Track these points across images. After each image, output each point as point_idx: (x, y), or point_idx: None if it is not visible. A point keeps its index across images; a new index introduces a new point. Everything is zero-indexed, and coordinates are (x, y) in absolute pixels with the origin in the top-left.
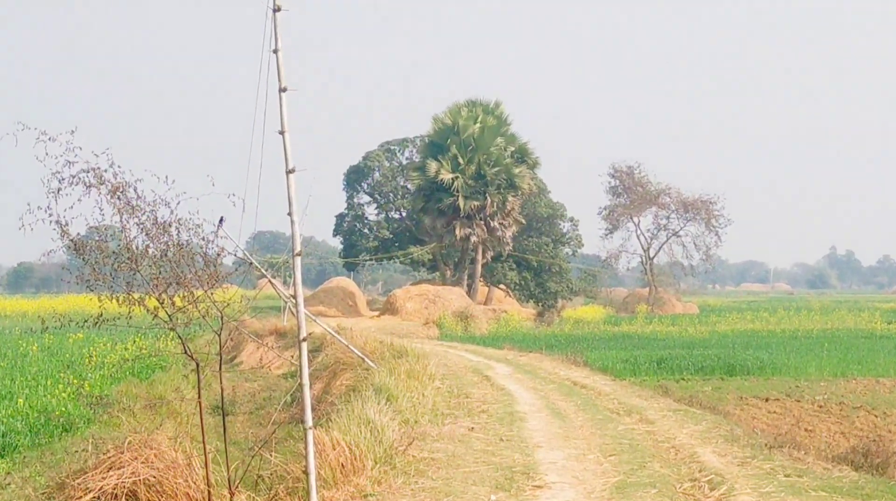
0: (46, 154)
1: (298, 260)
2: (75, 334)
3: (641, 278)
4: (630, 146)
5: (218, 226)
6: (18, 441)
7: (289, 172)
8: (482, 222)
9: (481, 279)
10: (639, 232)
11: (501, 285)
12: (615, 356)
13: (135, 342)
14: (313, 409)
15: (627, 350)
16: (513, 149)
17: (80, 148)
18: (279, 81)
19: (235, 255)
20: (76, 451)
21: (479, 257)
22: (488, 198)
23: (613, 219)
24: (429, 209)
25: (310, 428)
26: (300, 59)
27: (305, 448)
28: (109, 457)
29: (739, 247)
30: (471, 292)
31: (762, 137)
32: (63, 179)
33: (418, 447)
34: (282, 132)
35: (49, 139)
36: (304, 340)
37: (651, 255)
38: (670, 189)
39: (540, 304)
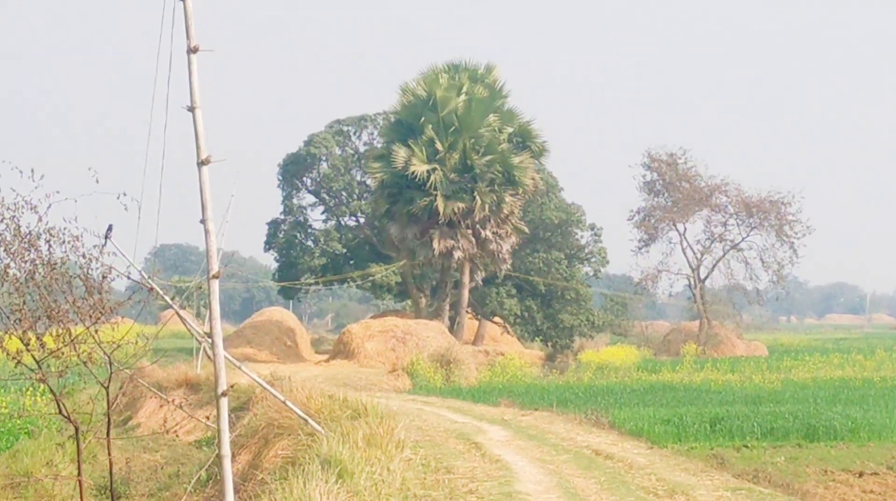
0: None
1: (216, 284)
2: None
3: (689, 307)
4: (672, 131)
5: (105, 238)
6: None
7: (201, 163)
8: (469, 231)
9: (469, 310)
10: (685, 244)
11: (497, 318)
12: (653, 415)
13: None
14: (237, 489)
15: (670, 407)
16: (511, 130)
17: None
18: (188, 38)
19: (129, 277)
20: None
21: (466, 278)
22: (478, 198)
23: (650, 226)
24: (396, 214)
25: None
26: (218, 10)
27: None
28: None
29: (824, 265)
30: (454, 327)
31: (852, 120)
32: None
33: None
34: (192, 109)
35: None
36: (225, 394)
37: (702, 275)
38: (727, 185)
39: (550, 343)
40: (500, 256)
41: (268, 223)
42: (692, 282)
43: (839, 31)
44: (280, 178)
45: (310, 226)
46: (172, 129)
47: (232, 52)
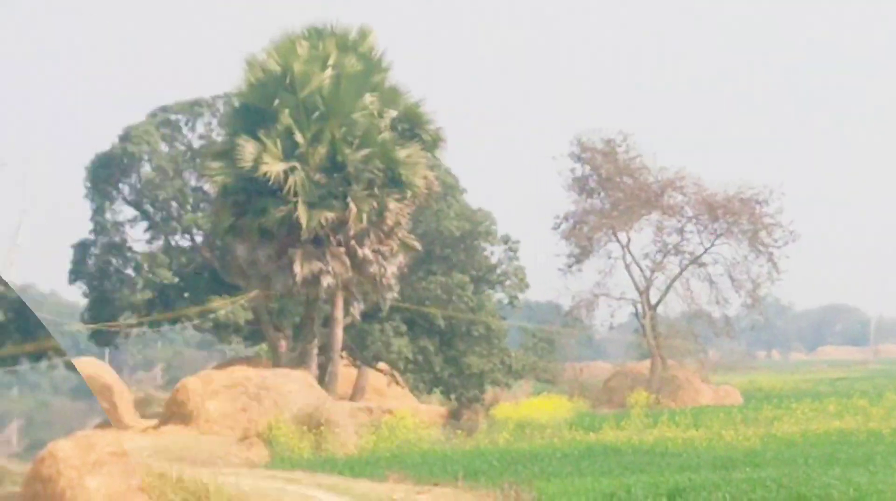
0: None
1: None
2: None
3: (637, 343)
4: (608, 113)
5: None
6: None
7: None
8: (342, 250)
9: (344, 355)
10: (629, 260)
11: (382, 365)
12: (592, 488)
13: None
14: None
15: (614, 476)
16: (395, 114)
17: None
18: None
19: None
20: None
21: (340, 313)
22: (352, 205)
23: (582, 237)
24: (244, 229)
25: None
26: None
27: None
28: None
29: (814, 282)
30: (326, 378)
31: (842, 95)
32: None
33: None
34: None
35: None
36: None
37: (653, 300)
38: (683, 180)
39: (453, 396)
40: (384, 281)
41: (73, 247)
42: (640, 309)
43: None
44: (88, 186)
45: (129, 249)
46: None
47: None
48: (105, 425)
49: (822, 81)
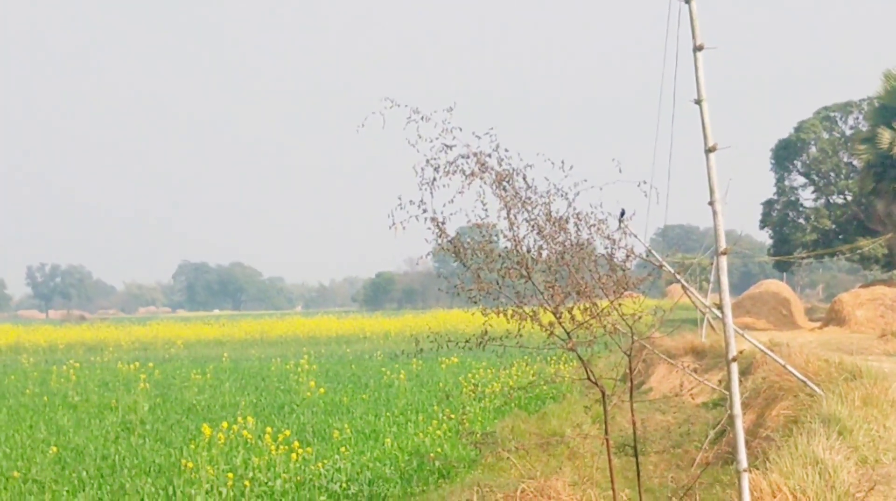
0: (419, 137)
1: (724, 260)
2: (448, 358)
3: None
4: None
5: (619, 221)
6: (388, 490)
7: (708, 150)
8: None
9: None
10: None
11: None
12: None
13: (526, 365)
14: (745, 445)
15: None
16: None
17: (460, 129)
18: (693, 37)
19: (641, 256)
20: None
21: None
22: None
23: None
24: (882, 191)
25: (744, 471)
26: (719, 11)
27: (739, 496)
28: None
29: None
30: None
31: None
32: (439, 168)
33: (882, 493)
34: (699, 101)
35: (422, 119)
36: (734, 360)
37: None
38: None
39: None
40: None
41: (762, 204)
42: None
43: None
44: (772, 162)
45: (801, 205)
46: (678, 120)
47: (729, 49)
48: (866, 285)
49: None
